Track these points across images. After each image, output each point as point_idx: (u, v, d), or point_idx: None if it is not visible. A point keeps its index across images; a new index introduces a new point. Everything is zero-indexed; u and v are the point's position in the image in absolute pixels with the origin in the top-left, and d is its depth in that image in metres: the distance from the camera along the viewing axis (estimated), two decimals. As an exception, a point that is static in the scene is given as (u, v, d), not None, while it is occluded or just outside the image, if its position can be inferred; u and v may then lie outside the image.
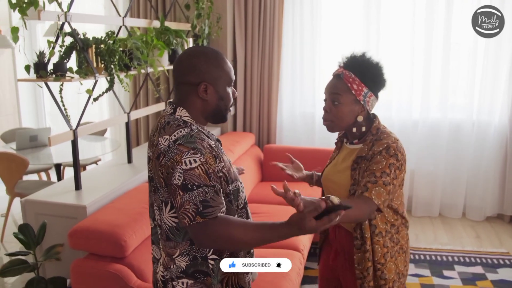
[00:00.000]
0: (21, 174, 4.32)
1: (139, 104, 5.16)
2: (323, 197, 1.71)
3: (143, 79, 4.99)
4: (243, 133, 5.03)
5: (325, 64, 5.05)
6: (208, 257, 1.64)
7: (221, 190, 1.59)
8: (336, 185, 1.96)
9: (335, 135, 2.14)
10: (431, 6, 4.68)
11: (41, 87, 2.76)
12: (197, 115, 1.66)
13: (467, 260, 4.03)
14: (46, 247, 2.76)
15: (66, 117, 2.93)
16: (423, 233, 4.59)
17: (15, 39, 2.58)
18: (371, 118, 1.95)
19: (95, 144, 5.23)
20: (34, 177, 5.50)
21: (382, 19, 4.83)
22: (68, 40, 2.95)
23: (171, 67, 4.04)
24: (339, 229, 2.03)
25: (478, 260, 4.02)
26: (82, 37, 2.95)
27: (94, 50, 2.99)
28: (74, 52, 2.93)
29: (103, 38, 3.07)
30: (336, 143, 2.13)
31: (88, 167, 5.31)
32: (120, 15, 3.52)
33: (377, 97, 1.91)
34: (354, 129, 1.91)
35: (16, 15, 6.07)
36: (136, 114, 3.77)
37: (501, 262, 3.99)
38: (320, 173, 2.17)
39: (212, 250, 1.65)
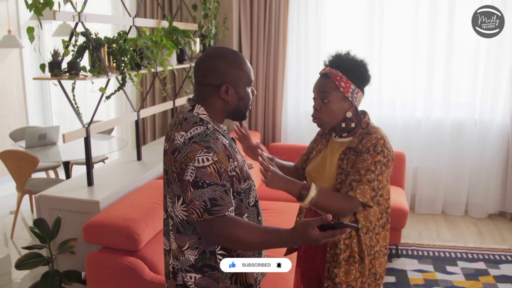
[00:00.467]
0: (31, 172, 4.40)
1: (145, 103, 5.23)
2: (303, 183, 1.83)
3: (150, 78, 5.08)
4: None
5: (329, 64, 5.12)
6: (217, 252, 1.68)
7: (232, 189, 1.63)
8: (322, 176, 2.00)
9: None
10: (434, 6, 4.75)
11: (56, 85, 2.83)
12: (216, 114, 1.71)
13: (470, 256, 4.09)
14: (59, 242, 2.83)
15: (78, 115, 3.00)
16: (426, 230, 4.66)
17: (31, 38, 2.64)
18: (359, 114, 2.02)
19: (102, 142, 5.31)
20: (42, 175, 5.58)
21: (386, 18, 4.90)
22: (79, 39, 3.02)
23: (180, 66, 4.11)
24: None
25: (481, 256, 4.08)
26: (94, 36, 3.03)
27: (106, 50, 3.06)
28: (87, 51, 3.00)
29: (115, 38, 3.14)
30: (317, 139, 2.18)
31: (95, 166, 5.39)
32: (130, 15, 3.59)
33: (363, 92, 1.98)
34: (343, 124, 1.97)
35: (24, 15, 6.19)
36: (145, 113, 3.84)
37: (503, 258, 4.05)
38: (286, 162, 2.23)
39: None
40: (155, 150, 4.03)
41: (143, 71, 3.40)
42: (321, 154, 2.09)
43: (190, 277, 1.71)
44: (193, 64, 4.30)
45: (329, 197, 1.87)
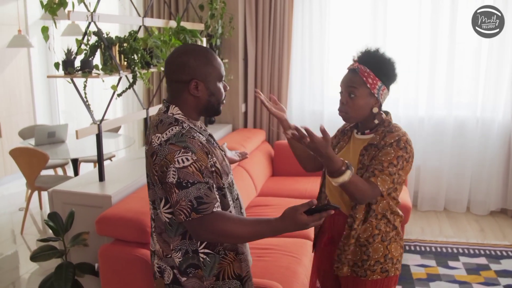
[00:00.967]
0: (41, 169, 4.49)
1: (153, 101, 5.31)
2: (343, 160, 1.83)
3: (157, 77, 5.16)
4: (254, 130, 5.18)
5: (333, 63, 5.21)
6: (199, 251, 1.71)
7: (214, 185, 1.64)
8: None
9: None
10: (437, 6, 4.82)
11: (69, 83, 2.91)
12: (189, 111, 1.72)
13: (472, 251, 4.17)
14: (72, 235, 2.91)
15: (90, 112, 3.08)
16: (429, 227, 4.73)
17: (46, 38, 2.73)
18: (383, 112, 2.06)
19: (109, 140, 5.39)
20: (50, 172, 5.67)
21: (389, 18, 4.98)
22: (91, 38, 3.11)
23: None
24: (338, 216, 2.08)
25: (482, 252, 4.16)
26: (106, 36, 3.11)
27: (117, 49, 3.15)
28: (99, 50, 3.09)
29: (126, 37, 3.23)
30: (338, 135, 2.21)
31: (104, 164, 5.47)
32: (140, 15, 3.68)
33: (389, 90, 2.02)
34: (369, 120, 2.00)
35: (32, 15, 6.28)
36: (154, 111, 3.92)
37: (504, 253, 4.13)
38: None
39: (203, 243, 1.72)
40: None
41: (152, 69, 3.49)
42: (343, 151, 2.12)
43: (179, 277, 1.76)
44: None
45: (359, 181, 1.84)
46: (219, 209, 1.61)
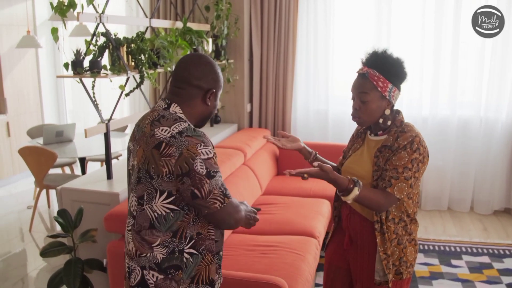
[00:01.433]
0: (50, 167, 4.56)
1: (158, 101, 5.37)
2: (349, 177, 1.91)
3: (163, 77, 5.22)
4: (259, 129, 5.23)
5: (338, 63, 5.27)
6: (185, 250, 1.70)
7: None
8: (359, 173, 2.05)
9: (347, 131, 2.27)
10: (440, 6, 4.86)
11: (78, 82, 2.98)
12: (190, 116, 1.75)
13: (475, 250, 4.20)
14: (81, 232, 2.98)
15: (99, 111, 3.14)
16: (432, 226, 4.77)
17: (56, 38, 2.80)
18: (395, 112, 2.06)
19: (116, 140, 5.45)
20: (58, 171, 5.75)
21: (393, 18, 5.03)
22: (99, 39, 3.17)
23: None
24: (353, 215, 2.12)
25: (485, 251, 4.19)
26: (114, 37, 3.18)
27: (125, 49, 3.21)
28: (107, 50, 3.15)
29: (133, 38, 3.29)
30: (354, 137, 2.23)
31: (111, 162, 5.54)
32: (147, 16, 3.74)
33: (399, 90, 2.03)
34: (381, 120, 2.00)
35: (40, 16, 6.36)
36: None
37: (507, 252, 4.16)
38: (318, 155, 2.32)
39: (190, 242, 1.71)
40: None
41: (159, 69, 3.55)
42: (357, 153, 2.13)
43: (152, 275, 1.70)
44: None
45: (370, 194, 1.91)
46: None
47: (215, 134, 4.69)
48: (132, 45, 3.24)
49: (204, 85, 1.75)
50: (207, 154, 1.63)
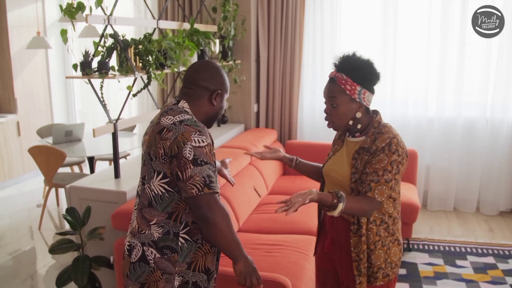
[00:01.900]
0: (59, 166, 4.62)
1: (166, 101, 5.43)
2: (332, 192, 1.92)
3: (170, 78, 5.28)
4: (266, 129, 5.27)
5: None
6: (180, 234, 1.81)
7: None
8: (338, 175, 2.08)
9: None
10: (447, 7, 4.86)
11: (87, 83, 3.03)
12: (197, 114, 1.88)
13: (480, 251, 4.21)
14: (89, 229, 3.03)
15: (107, 111, 3.20)
16: (437, 226, 4.78)
17: (65, 40, 2.85)
18: (371, 113, 2.07)
19: (124, 139, 5.51)
20: (67, 170, 5.81)
21: (400, 19, 5.04)
22: (107, 41, 3.23)
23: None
24: (336, 218, 2.11)
25: (490, 251, 4.20)
26: (122, 38, 3.23)
27: (133, 50, 3.27)
28: (115, 52, 3.21)
29: (141, 40, 3.34)
30: (335, 140, 2.25)
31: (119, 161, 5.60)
32: (154, 18, 3.79)
33: (372, 92, 2.03)
34: (351, 122, 2.02)
35: (50, 17, 6.44)
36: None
37: (513, 253, 4.17)
38: (300, 160, 2.39)
39: (186, 228, 1.81)
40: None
41: (166, 70, 3.60)
42: (336, 154, 2.15)
43: (151, 252, 1.82)
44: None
45: (354, 204, 1.93)
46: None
47: (222, 134, 4.73)
48: (140, 46, 3.30)
49: (211, 86, 1.90)
50: (199, 142, 1.72)
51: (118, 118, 3.28)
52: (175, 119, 1.78)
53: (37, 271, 4.00)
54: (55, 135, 5.05)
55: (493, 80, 4.93)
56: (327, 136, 5.35)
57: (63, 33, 2.89)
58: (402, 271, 3.82)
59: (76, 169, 5.89)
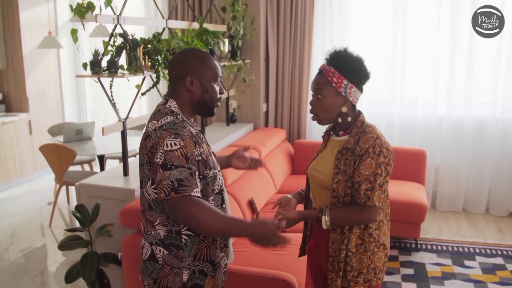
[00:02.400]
0: (69, 164, 4.68)
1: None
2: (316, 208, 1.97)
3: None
4: (275, 129, 5.29)
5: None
6: (182, 232, 1.85)
7: (198, 172, 1.80)
8: (321, 175, 2.06)
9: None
10: (456, 6, 4.85)
11: (96, 82, 3.07)
12: (184, 106, 1.90)
13: (488, 251, 4.19)
14: (98, 226, 3.07)
15: (116, 110, 3.23)
16: (446, 227, 4.76)
17: (75, 39, 2.89)
18: (356, 112, 2.06)
19: (134, 138, 5.54)
20: (77, 168, 5.88)
21: (409, 18, 5.04)
22: (117, 40, 3.26)
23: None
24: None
25: (499, 252, 4.18)
26: (131, 37, 3.26)
27: (142, 50, 3.30)
28: (124, 51, 3.24)
29: (150, 39, 3.37)
30: (323, 137, 2.20)
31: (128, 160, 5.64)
32: (163, 18, 3.82)
33: (360, 90, 2.02)
34: (340, 119, 2.01)
35: (62, 17, 6.51)
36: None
37: (522, 254, 4.15)
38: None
39: (184, 225, 1.84)
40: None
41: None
42: (321, 154, 2.14)
43: (159, 251, 1.87)
44: (222, 64, 4.52)
45: (343, 215, 1.95)
46: (199, 195, 1.74)
47: (231, 133, 4.75)
48: (149, 45, 3.33)
49: (181, 73, 1.88)
50: (171, 146, 1.72)
51: (127, 117, 3.31)
52: (157, 124, 1.79)
53: (48, 267, 4.05)
54: (66, 133, 5.10)
55: (503, 79, 4.90)
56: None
57: (73, 32, 2.93)
58: (410, 271, 3.81)
59: (86, 167, 5.95)
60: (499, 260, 4.03)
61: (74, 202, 5.43)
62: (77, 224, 3.02)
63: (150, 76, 3.44)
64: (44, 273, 3.93)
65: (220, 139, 4.47)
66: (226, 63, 4.67)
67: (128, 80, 3.30)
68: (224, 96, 4.86)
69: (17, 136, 6.13)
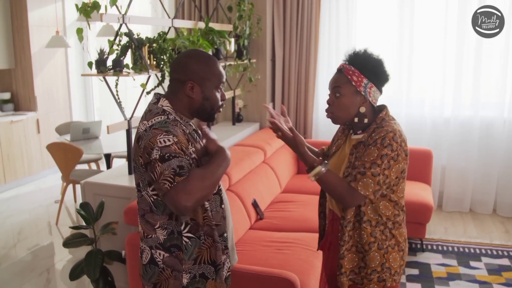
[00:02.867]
0: (76, 163, 4.71)
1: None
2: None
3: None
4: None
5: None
6: (183, 233, 1.80)
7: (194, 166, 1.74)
8: (340, 173, 2.01)
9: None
10: (464, 6, 4.82)
11: (101, 81, 3.09)
12: (182, 108, 1.82)
13: (495, 252, 4.16)
14: (102, 224, 3.09)
15: (121, 109, 3.25)
16: (453, 227, 4.74)
17: (81, 38, 2.91)
18: (376, 111, 1.99)
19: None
20: (84, 167, 5.91)
21: (416, 18, 5.02)
22: (122, 39, 3.28)
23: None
24: (335, 221, 2.08)
25: (506, 253, 4.15)
26: (136, 37, 3.28)
27: (147, 49, 3.32)
28: (129, 50, 3.26)
29: (155, 38, 3.39)
30: (339, 135, 2.16)
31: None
32: (169, 17, 3.84)
33: (380, 90, 1.98)
34: (356, 119, 1.95)
35: (69, 17, 6.55)
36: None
37: (528, 255, 4.12)
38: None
39: (187, 226, 1.80)
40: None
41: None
42: (339, 151, 2.09)
43: (159, 254, 1.83)
44: (228, 63, 4.53)
45: (334, 180, 1.88)
46: None
47: (237, 133, 4.76)
48: (154, 45, 3.35)
49: (182, 78, 1.80)
50: (165, 142, 1.66)
51: (132, 116, 3.33)
52: (148, 124, 1.73)
53: (54, 265, 4.08)
54: (73, 132, 5.14)
55: (511, 79, 4.86)
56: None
57: (79, 31, 2.95)
58: (415, 271, 3.80)
59: (93, 166, 5.98)
60: (505, 261, 4.00)
61: (80, 201, 5.44)
62: (83, 222, 3.04)
63: (156, 75, 3.45)
64: (51, 270, 3.96)
65: (226, 138, 4.48)
66: (232, 63, 4.68)
67: (134, 79, 3.32)
68: (230, 95, 4.87)
69: (25, 135, 6.18)
